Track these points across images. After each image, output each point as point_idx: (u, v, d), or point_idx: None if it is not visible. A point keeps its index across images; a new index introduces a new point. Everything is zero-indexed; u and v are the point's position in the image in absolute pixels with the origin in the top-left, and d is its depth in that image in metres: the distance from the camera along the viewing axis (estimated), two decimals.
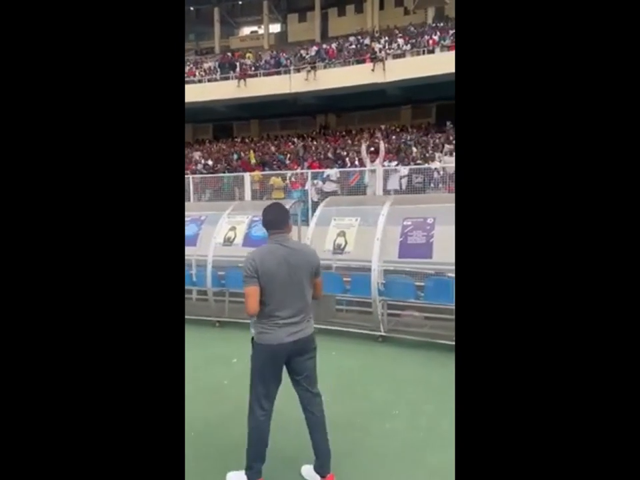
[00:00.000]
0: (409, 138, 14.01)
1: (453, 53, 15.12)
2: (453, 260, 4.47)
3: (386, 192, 7.86)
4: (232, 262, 5.37)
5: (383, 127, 16.55)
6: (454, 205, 4.56)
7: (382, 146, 8.04)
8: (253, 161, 12.45)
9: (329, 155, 11.80)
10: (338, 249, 4.83)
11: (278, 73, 17.16)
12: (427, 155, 10.08)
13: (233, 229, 5.42)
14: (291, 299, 2.19)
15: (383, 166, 7.98)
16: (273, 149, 14.77)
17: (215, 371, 4.07)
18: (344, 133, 17.24)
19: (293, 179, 8.73)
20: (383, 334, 4.73)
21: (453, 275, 4.38)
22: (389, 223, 4.77)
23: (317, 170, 7.85)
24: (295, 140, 16.20)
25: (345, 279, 4.99)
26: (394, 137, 14.88)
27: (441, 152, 10.84)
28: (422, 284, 4.70)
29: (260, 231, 5.24)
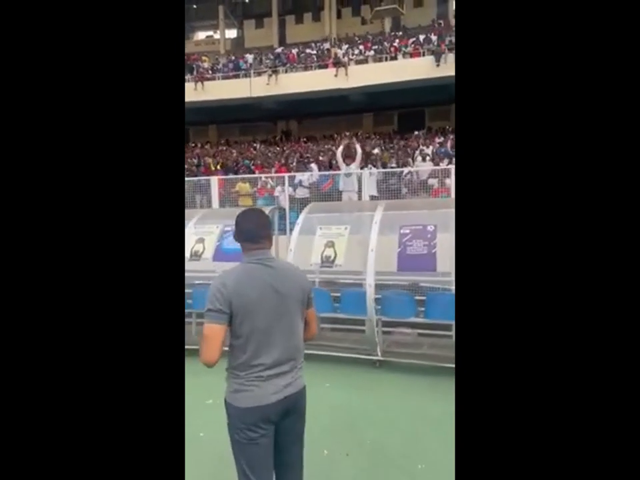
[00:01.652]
0: (375, 144, 13.70)
1: (415, 60, 15.23)
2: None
3: (361, 197, 7.38)
4: (201, 279, 4.61)
5: (347, 133, 16.25)
6: (452, 209, 4.01)
7: (359, 149, 7.54)
8: (213, 167, 11.67)
9: (294, 161, 11.22)
10: (327, 262, 4.21)
11: (237, 77, 16.44)
12: (400, 160, 9.74)
13: (201, 240, 4.66)
14: (279, 340, 1.59)
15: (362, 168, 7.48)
16: (234, 153, 13.99)
17: (186, 418, 3.31)
18: (305, 139, 16.74)
19: (269, 185, 8.03)
20: (380, 358, 4.15)
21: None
22: (382, 231, 4.23)
23: (293, 173, 7.22)
24: (257, 146, 15.50)
25: (332, 294, 4.38)
26: (358, 143, 14.53)
27: (412, 158, 10.55)
28: (422, 298, 4.18)
29: (233, 243, 4.53)
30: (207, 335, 1.53)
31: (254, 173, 9.71)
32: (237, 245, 4.75)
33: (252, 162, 11.51)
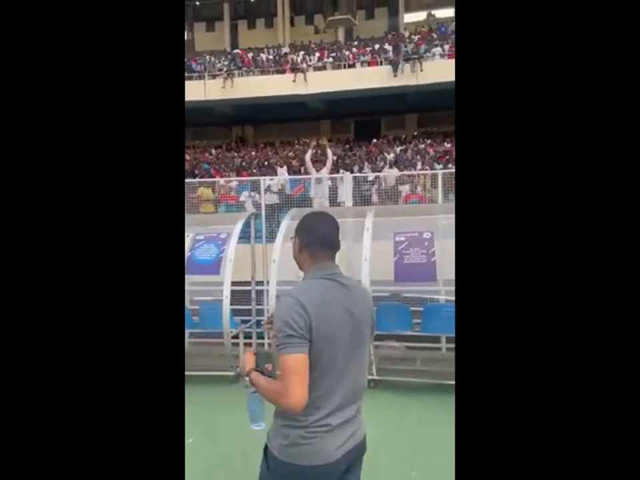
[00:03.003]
0: (335, 151, 13.51)
1: (373, 69, 15.30)
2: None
3: (335, 204, 7.09)
4: None
5: (306, 140, 16.01)
6: (444, 216, 3.74)
7: (329, 153, 7.25)
8: None
9: (256, 166, 10.74)
10: None
11: (190, 79, 15.68)
12: (369, 166, 9.57)
13: None
14: (351, 376, 1.28)
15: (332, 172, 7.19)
16: (189, 158, 13.24)
17: None
18: (263, 144, 16.29)
19: (234, 191, 7.48)
20: (375, 377, 3.81)
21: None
22: (373, 238, 3.91)
23: (262, 177, 6.74)
24: (213, 151, 14.81)
25: None
26: (319, 150, 14.30)
27: (374, 163, 10.44)
28: (418, 308, 3.91)
29: (207, 253, 4.02)
30: (294, 369, 1.16)
31: (213, 177, 9.10)
32: (211, 256, 4.19)
33: (211, 167, 10.88)
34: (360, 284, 1.46)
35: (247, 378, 1.35)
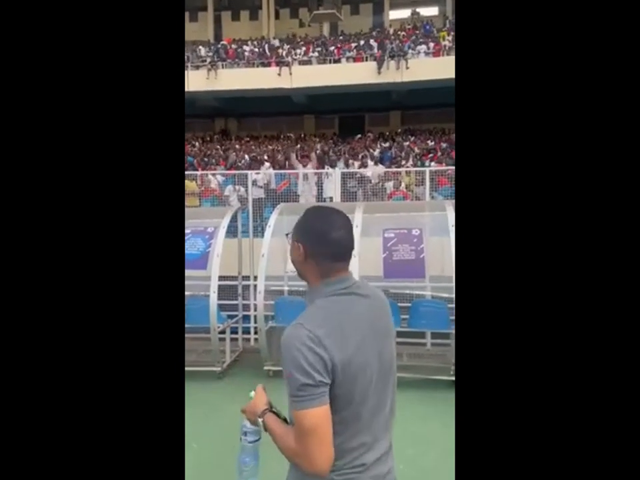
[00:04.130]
0: (322, 146, 13.47)
1: (358, 65, 15.27)
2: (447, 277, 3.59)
3: (321, 200, 7.08)
4: None
5: (290, 134, 15.90)
6: (433, 213, 3.76)
7: (313, 156, 7.23)
8: None
9: (241, 160, 10.59)
10: None
11: None
12: (354, 162, 9.54)
13: None
14: (383, 404, 1.07)
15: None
16: None
17: None
18: (248, 138, 16.09)
19: (213, 183, 7.34)
20: None
21: (446, 295, 3.68)
22: (362, 234, 3.91)
23: (248, 171, 6.62)
24: (196, 144, 14.55)
25: None
26: (305, 146, 14.24)
27: (360, 160, 10.43)
28: (404, 304, 3.93)
29: (194, 247, 3.94)
30: (313, 428, 0.94)
31: (197, 170, 8.95)
32: (198, 250, 4.11)
33: (195, 159, 10.68)
34: (377, 290, 1.17)
35: (247, 422, 1.12)
